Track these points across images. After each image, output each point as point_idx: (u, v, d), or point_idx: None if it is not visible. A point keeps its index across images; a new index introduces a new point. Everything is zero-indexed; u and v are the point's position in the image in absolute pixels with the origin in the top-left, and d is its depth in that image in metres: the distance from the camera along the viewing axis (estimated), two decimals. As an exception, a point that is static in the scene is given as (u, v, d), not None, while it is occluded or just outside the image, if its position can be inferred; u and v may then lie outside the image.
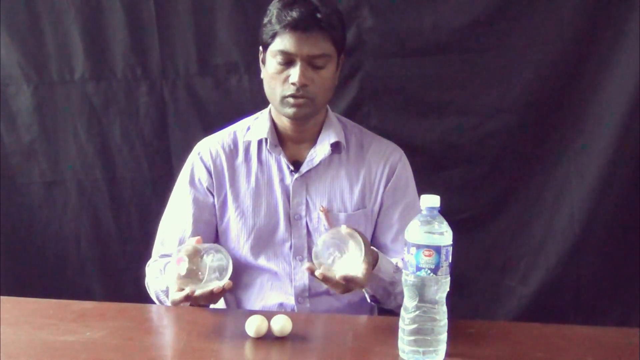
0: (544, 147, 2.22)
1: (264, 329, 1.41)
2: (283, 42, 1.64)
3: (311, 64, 1.65)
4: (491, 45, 2.18)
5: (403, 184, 1.80)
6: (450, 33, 2.17)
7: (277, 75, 1.67)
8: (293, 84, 1.65)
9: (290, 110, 1.68)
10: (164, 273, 1.66)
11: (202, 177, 1.78)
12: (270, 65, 1.68)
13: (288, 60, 1.65)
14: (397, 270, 1.63)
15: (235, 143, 1.81)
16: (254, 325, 1.40)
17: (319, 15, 1.63)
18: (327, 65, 1.68)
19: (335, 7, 1.72)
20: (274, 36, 1.65)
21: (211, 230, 1.80)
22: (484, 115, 2.22)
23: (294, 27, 1.62)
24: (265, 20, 1.68)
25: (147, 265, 1.80)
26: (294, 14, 1.62)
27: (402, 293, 1.57)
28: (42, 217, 2.40)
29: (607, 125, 2.15)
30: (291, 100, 1.67)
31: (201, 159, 1.80)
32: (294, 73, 1.64)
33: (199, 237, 1.51)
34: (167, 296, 1.65)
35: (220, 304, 1.88)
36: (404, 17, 2.18)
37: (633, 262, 2.19)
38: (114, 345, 1.38)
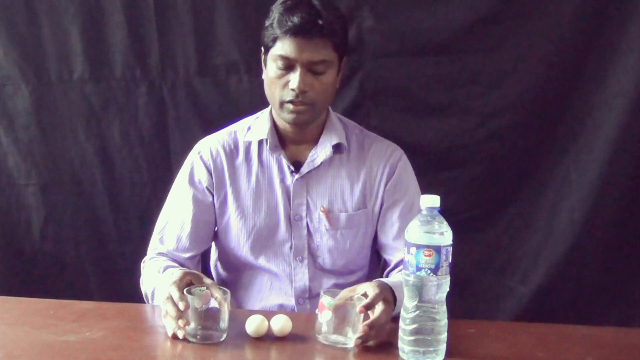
0: (544, 147, 2.22)
1: (263, 329, 1.41)
2: (283, 47, 1.63)
3: (311, 69, 1.64)
4: (492, 45, 2.18)
5: (403, 182, 1.80)
6: (450, 33, 2.18)
7: (277, 79, 1.66)
8: (292, 89, 1.64)
9: (289, 116, 1.68)
10: (161, 275, 1.65)
11: (202, 176, 1.78)
12: (270, 69, 1.68)
13: (288, 65, 1.64)
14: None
15: (235, 143, 1.80)
16: (253, 325, 1.40)
17: (320, 22, 1.61)
18: (328, 71, 1.67)
19: (338, 12, 1.70)
20: (274, 40, 1.64)
21: (209, 230, 1.80)
22: (485, 115, 2.22)
23: (295, 32, 1.61)
24: (267, 22, 1.67)
25: (143, 261, 1.79)
26: (295, 19, 1.60)
27: None
28: (40, 217, 2.40)
29: (607, 125, 2.15)
30: (290, 106, 1.66)
31: (201, 158, 1.79)
32: (294, 79, 1.63)
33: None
34: (152, 299, 1.66)
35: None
36: (405, 17, 2.18)
37: (633, 262, 2.19)
38: (114, 345, 1.38)
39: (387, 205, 1.78)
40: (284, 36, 1.62)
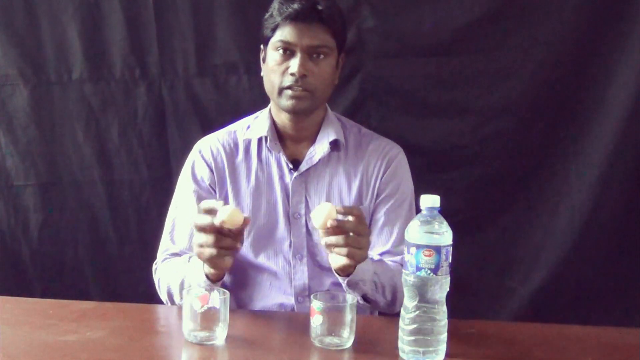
0: (545, 147, 2.22)
1: (239, 219, 1.41)
2: (284, 33, 1.67)
3: (311, 55, 1.68)
4: (492, 45, 2.18)
5: (397, 178, 1.80)
6: (451, 33, 2.18)
7: (277, 67, 1.69)
8: (292, 74, 1.66)
9: (288, 103, 1.69)
10: (189, 264, 1.65)
11: (204, 174, 1.79)
12: (270, 58, 1.70)
13: (288, 51, 1.67)
14: (374, 263, 1.64)
15: (235, 142, 1.81)
16: (225, 214, 1.40)
17: (319, 7, 1.66)
18: (327, 58, 1.70)
19: (336, 3, 1.75)
20: (275, 28, 1.68)
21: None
22: (485, 116, 2.22)
23: (295, 18, 1.65)
24: (267, 15, 1.71)
25: (155, 263, 1.78)
26: (295, 5, 1.65)
27: (390, 287, 1.60)
28: (38, 218, 2.40)
29: (608, 126, 2.15)
30: (290, 92, 1.68)
31: (202, 156, 1.80)
32: (294, 64, 1.66)
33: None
34: (180, 292, 1.64)
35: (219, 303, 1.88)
36: (405, 17, 2.19)
37: (633, 262, 2.19)
38: (114, 345, 1.38)
39: (379, 199, 1.79)
40: (284, 22, 1.66)
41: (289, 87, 1.68)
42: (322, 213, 1.42)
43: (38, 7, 2.28)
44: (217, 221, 1.40)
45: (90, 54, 2.30)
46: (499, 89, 2.20)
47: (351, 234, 1.45)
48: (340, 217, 1.44)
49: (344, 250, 1.45)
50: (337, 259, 1.49)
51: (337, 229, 1.44)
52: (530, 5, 2.15)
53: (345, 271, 1.54)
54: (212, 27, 2.25)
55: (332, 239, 1.45)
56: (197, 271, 1.55)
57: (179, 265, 1.68)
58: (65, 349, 1.35)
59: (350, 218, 1.45)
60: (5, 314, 1.51)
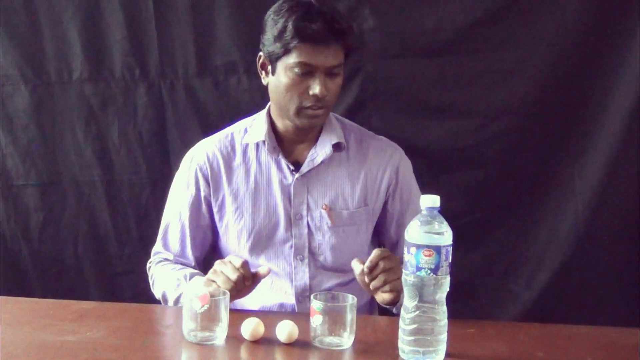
0: (547, 149, 2.21)
1: (260, 332, 1.40)
2: (303, 55, 1.62)
3: (328, 74, 1.66)
4: (494, 46, 2.17)
5: (407, 184, 1.83)
6: (452, 34, 2.17)
7: (295, 87, 1.65)
8: (314, 95, 1.64)
9: (307, 121, 1.69)
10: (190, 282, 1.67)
11: (197, 182, 1.79)
12: (286, 76, 1.66)
13: (307, 72, 1.64)
14: None
15: (232, 145, 1.81)
16: (249, 329, 1.40)
17: (337, 27, 1.62)
18: (340, 74, 1.69)
19: (344, 15, 1.73)
20: (289, 49, 1.63)
21: (207, 234, 1.82)
22: (487, 117, 2.22)
23: (315, 40, 1.61)
24: (275, 32, 1.64)
25: (149, 262, 1.80)
26: (314, 27, 1.60)
27: None
28: (38, 218, 2.40)
29: (611, 129, 2.14)
30: (309, 111, 1.67)
31: (197, 163, 1.80)
32: (315, 85, 1.64)
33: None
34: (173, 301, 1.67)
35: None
36: (406, 18, 2.18)
37: (637, 265, 2.18)
38: (114, 345, 1.38)
39: (399, 210, 1.82)
40: (302, 44, 1.61)
41: (309, 107, 1.67)
42: (286, 330, 1.41)
43: (38, 7, 2.28)
44: (246, 336, 1.42)
45: (90, 54, 2.30)
46: (501, 89, 2.20)
47: (382, 274, 1.51)
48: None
49: (388, 287, 1.52)
50: (383, 296, 1.55)
51: (374, 270, 1.51)
52: (532, 5, 2.15)
53: (393, 302, 1.56)
54: (212, 27, 2.25)
55: (376, 283, 1.52)
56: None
57: (177, 279, 1.70)
58: (65, 349, 1.35)
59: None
60: (5, 314, 1.51)
